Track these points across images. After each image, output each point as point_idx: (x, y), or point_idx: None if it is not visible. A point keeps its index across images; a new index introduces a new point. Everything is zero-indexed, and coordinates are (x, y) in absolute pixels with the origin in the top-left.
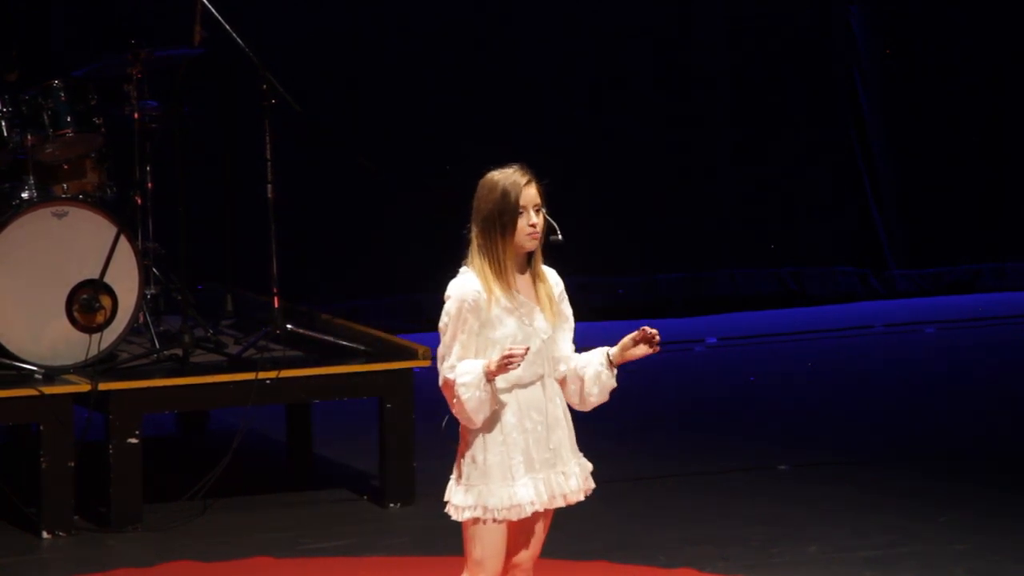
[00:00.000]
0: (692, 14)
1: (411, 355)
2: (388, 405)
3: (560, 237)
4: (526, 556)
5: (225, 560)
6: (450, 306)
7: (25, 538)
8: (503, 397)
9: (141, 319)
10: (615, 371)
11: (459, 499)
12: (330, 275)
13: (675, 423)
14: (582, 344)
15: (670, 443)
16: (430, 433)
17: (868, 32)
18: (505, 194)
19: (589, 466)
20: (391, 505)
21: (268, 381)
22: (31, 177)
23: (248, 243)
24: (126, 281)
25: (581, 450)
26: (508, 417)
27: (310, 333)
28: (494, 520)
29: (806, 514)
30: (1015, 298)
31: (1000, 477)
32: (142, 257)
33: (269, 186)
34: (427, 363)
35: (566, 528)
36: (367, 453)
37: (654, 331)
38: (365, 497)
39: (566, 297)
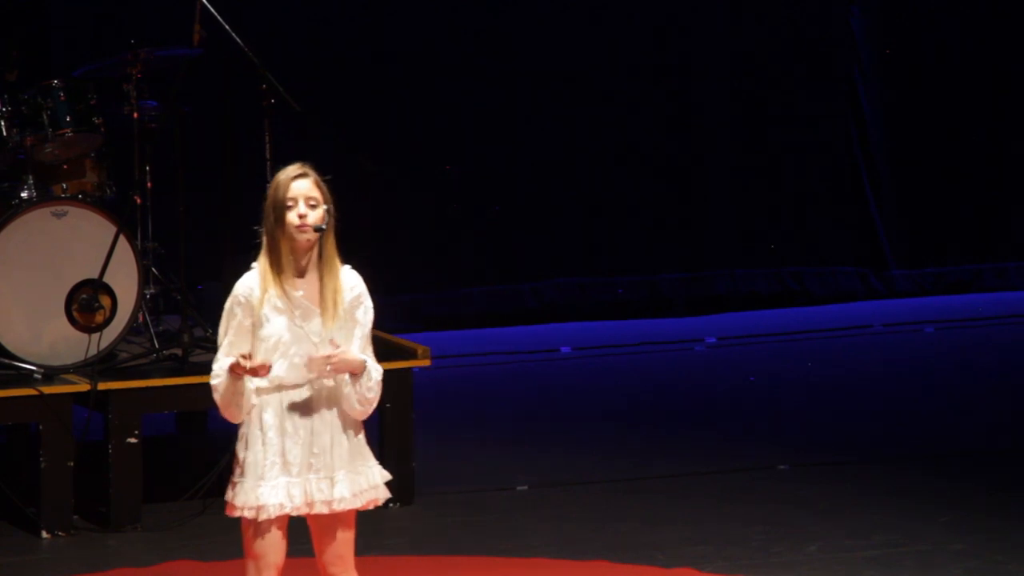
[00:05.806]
0: (693, 13)
1: (410, 355)
2: (387, 405)
3: (324, 227)
4: (332, 557)
5: (224, 560)
6: (227, 302)
7: (25, 538)
8: (267, 396)
9: (140, 319)
10: (358, 381)
11: (227, 492)
12: None
13: (675, 423)
14: (581, 345)
15: (670, 443)
16: (429, 433)
17: (868, 32)
18: (275, 189)
19: (380, 476)
20: (390, 505)
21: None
22: (30, 177)
23: (248, 243)
24: (125, 281)
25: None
26: (268, 417)
27: None
28: (245, 518)
29: (806, 514)
30: (1015, 298)
31: (1000, 477)
32: (141, 257)
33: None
34: (427, 363)
35: (565, 528)
36: None
37: (321, 357)
38: None
39: (364, 303)
